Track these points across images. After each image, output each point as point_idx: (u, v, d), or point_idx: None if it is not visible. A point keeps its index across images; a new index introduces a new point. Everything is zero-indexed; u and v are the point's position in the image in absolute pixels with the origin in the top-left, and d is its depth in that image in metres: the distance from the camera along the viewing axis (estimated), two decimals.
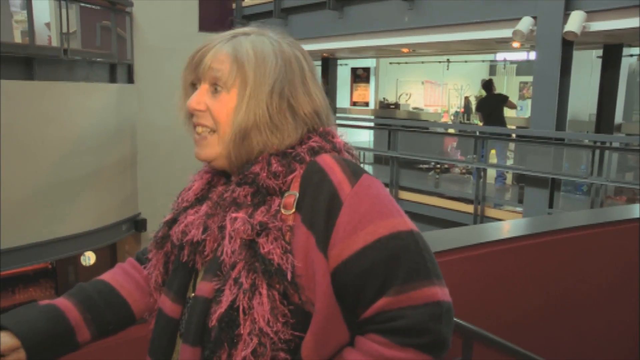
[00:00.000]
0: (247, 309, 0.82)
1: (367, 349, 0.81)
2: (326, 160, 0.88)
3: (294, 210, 0.86)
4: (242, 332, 0.82)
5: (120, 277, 1.08)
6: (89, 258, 8.75)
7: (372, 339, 0.81)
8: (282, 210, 0.87)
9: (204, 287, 0.88)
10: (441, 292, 0.82)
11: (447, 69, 12.24)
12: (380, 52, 10.24)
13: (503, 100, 8.20)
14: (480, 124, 8.26)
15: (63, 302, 1.00)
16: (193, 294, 0.91)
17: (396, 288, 0.80)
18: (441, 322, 0.80)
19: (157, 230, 1.02)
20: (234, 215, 0.88)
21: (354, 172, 0.87)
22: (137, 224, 7.97)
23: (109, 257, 9.09)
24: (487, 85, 8.38)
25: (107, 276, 1.09)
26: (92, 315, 1.02)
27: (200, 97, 0.93)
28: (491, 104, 8.09)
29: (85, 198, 6.82)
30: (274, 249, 0.84)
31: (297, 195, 0.87)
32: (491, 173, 7.54)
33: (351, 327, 0.86)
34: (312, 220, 0.84)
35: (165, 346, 0.94)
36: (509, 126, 8.75)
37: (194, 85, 0.96)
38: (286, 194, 0.88)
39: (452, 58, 11.69)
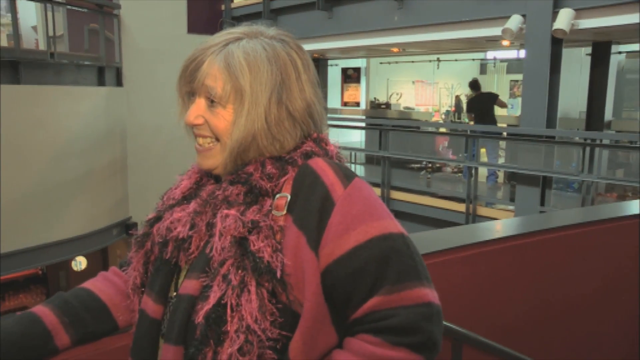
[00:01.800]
0: (235, 305, 0.82)
1: (358, 348, 0.81)
2: (319, 164, 0.89)
3: (285, 211, 0.87)
4: (229, 329, 0.82)
5: (99, 284, 1.08)
6: (80, 263, 8.69)
7: (363, 338, 0.81)
8: (274, 212, 0.88)
9: (188, 284, 0.88)
10: (432, 294, 0.82)
11: (438, 68, 12.25)
12: (370, 52, 10.23)
13: (493, 98, 8.24)
14: (472, 123, 8.28)
15: (39, 308, 1.00)
16: (175, 293, 0.91)
17: (388, 287, 0.80)
18: (432, 322, 0.81)
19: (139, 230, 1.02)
20: (225, 212, 0.88)
21: (346, 175, 0.88)
22: (128, 228, 7.93)
23: (100, 262, 9.05)
24: (474, 84, 8.45)
25: (87, 284, 1.08)
26: (70, 319, 1.00)
27: (198, 111, 0.93)
28: (482, 103, 8.12)
29: (76, 202, 6.77)
30: (264, 246, 0.85)
31: (289, 197, 0.88)
32: (482, 172, 7.56)
33: (339, 330, 0.86)
34: (303, 220, 0.85)
35: (148, 348, 0.93)
36: (500, 125, 8.77)
37: (191, 94, 0.97)
38: (278, 196, 0.89)
39: (443, 57, 11.70)
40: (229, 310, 0.82)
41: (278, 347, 0.83)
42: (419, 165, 8.23)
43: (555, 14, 5.49)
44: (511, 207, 6.46)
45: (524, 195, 6.11)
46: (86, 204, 6.97)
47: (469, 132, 7.05)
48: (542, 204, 5.98)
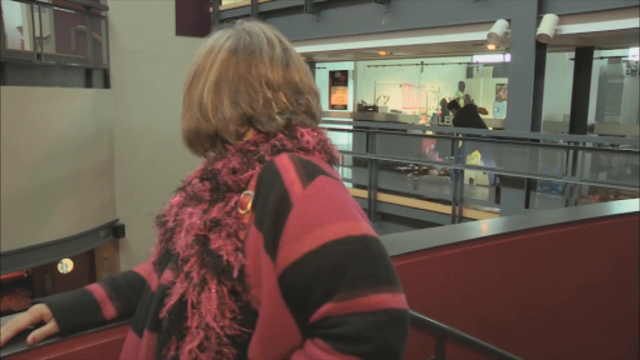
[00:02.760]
0: (196, 303, 0.85)
1: (310, 352, 0.80)
2: (282, 161, 0.87)
3: (249, 209, 0.87)
4: (190, 325, 0.84)
5: (144, 266, 1.15)
6: (66, 265, 8.62)
7: (316, 343, 0.79)
8: (239, 209, 0.88)
9: (166, 275, 0.92)
10: (392, 300, 0.79)
11: (422, 72, 12.33)
12: (358, 55, 10.28)
13: (476, 109, 8.52)
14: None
15: (91, 285, 1.12)
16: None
17: (341, 294, 0.78)
18: (386, 330, 0.77)
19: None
20: (189, 210, 0.91)
21: (309, 173, 0.85)
22: (116, 230, 7.90)
23: (87, 264, 8.98)
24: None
25: (134, 267, 1.18)
26: (116, 293, 1.11)
27: None
28: (467, 117, 8.30)
29: (62, 204, 6.73)
30: (225, 245, 0.85)
31: (253, 194, 0.87)
32: (471, 174, 7.64)
33: (304, 330, 0.84)
34: (262, 221, 0.84)
35: (145, 321, 0.97)
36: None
37: None
38: (243, 193, 0.89)
39: (429, 61, 11.79)
40: (189, 307, 0.85)
41: (239, 342, 0.84)
42: (406, 168, 8.28)
43: (539, 19, 5.58)
44: (497, 209, 6.53)
45: (509, 197, 6.18)
46: (73, 206, 6.93)
47: (455, 135, 7.13)
48: (527, 206, 6.06)
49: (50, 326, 1.04)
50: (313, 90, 1.00)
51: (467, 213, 6.62)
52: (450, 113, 10.12)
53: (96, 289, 1.11)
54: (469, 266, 1.82)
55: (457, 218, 6.54)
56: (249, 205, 0.87)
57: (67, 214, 6.84)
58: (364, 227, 0.83)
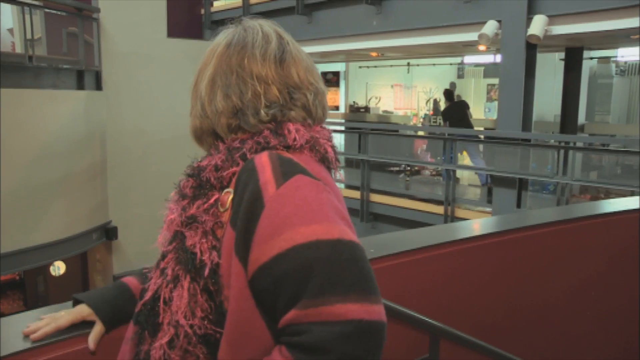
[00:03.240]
0: (168, 299, 0.85)
1: (275, 359, 0.76)
2: (261, 159, 0.85)
3: (228, 207, 0.86)
4: (161, 321, 0.85)
5: None
6: (58, 268, 8.58)
7: (281, 350, 0.75)
8: (219, 207, 0.87)
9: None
10: (361, 310, 0.73)
11: (408, 72, 12.38)
12: (349, 56, 10.31)
13: (467, 106, 8.55)
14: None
15: (127, 278, 1.13)
16: None
17: (305, 301, 0.73)
18: (349, 342, 0.71)
19: None
20: (171, 205, 0.92)
21: (285, 173, 0.82)
22: (108, 232, 7.86)
23: (79, 267, 8.94)
24: (449, 94, 8.72)
25: None
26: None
27: None
28: (456, 112, 8.35)
29: (55, 206, 6.70)
30: (200, 243, 0.85)
31: (232, 192, 0.86)
32: (464, 174, 7.68)
33: (275, 335, 0.80)
34: (236, 221, 0.82)
35: None
36: (477, 128, 8.97)
37: None
38: (224, 191, 0.88)
39: (420, 61, 11.84)
40: (161, 304, 0.85)
41: (211, 341, 0.83)
42: (398, 168, 8.32)
43: (529, 20, 5.63)
44: (488, 209, 6.57)
45: (500, 196, 6.23)
46: (65, 208, 6.90)
47: (447, 136, 7.17)
48: (519, 205, 6.10)
49: (100, 326, 1.07)
50: (313, 86, 0.96)
51: (459, 213, 6.66)
52: (442, 102, 10.22)
53: (132, 281, 1.12)
54: (462, 265, 1.84)
55: (450, 218, 6.57)
56: (228, 204, 0.85)
57: (60, 216, 6.81)
58: (339, 230, 0.78)
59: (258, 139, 0.89)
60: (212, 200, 0.87)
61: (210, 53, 0.98)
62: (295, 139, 0.89)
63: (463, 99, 9.69)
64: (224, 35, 0.99)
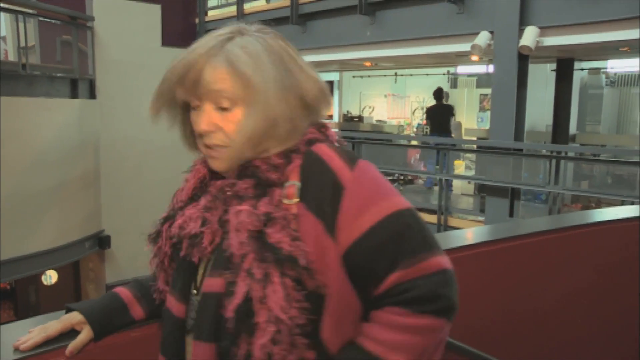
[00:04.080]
0: (262, 298, 0.85)
1: (387, 320, 0.86)
2: (323, 149, 0.93)
3: (297, 199, 0.89)
4: (258, 320, 0.85)
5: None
6: (50, 277, 8.51)
7: (390, 311, 0.86)
8: (285, 200, 0.90)
9: (212, 282, 0.91)
10: (445, 260, 0.89)
11: (395, 82, 12.44)
12: (343, 65, 10.36)
13: (451, 110, 8.61)
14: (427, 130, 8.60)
15: (118, 288, 1.14)
16: (195, 292, 0.95)
17: (406, 262, 0.85)
18: (447, 287, 0.87)
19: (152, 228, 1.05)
20: (237, 207, 0.90)
21: (350, 159, 0.92)
22: (101, 241, 7.83)
23: (71, 276, 8.87)
24: (439, 93, 8.76)
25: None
26: (142, 294, 1.12)
27: (209, 118, 0.92)
28: (440, 113, 8.42)
29: (47, 215, 6.67)
30: (282, 237, 0.87)
31: (298, 184, 0.90)
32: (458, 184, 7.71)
33: (365, 305, 0.90)
34: (318, 207, 0.88)
35: (175, 344, 0.98)
36: (470, 137, 9.03)
37: (190, 102, 0.95)
38: (286, 185, 0.91)
39: (414, 71, 11.91)
40: (256, 303, 0.85)
41: (308, 331, 0.86)
42: (391, 178, 8.35)
43: (521, 32, 5.69)
44: (481, 218, 6.60)
45: (493, 206, 6.26)
46: (58, 217, 6.87)
47: (441, 146, 7.21)
48: (511, 214, 6.13)
49: (85, 334, 1.05)
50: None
51: (452, 222, 6.69)
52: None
53: (122, 290, 1.13)
54: (455, 274, 1.84)
55: (443, 227, 6.60)
56: (296, 195, 0.90)
57: (52, 224, 6.78)
58: (405, 201, 0.91)
59: (308, 137, 0.96)
60: (277, 196, 0.90)
61: (259, 57, 0.93)
62: (332, 135, 1.00)
63: (452, 104, 9.76)
64: (262, 39, 0.97)
